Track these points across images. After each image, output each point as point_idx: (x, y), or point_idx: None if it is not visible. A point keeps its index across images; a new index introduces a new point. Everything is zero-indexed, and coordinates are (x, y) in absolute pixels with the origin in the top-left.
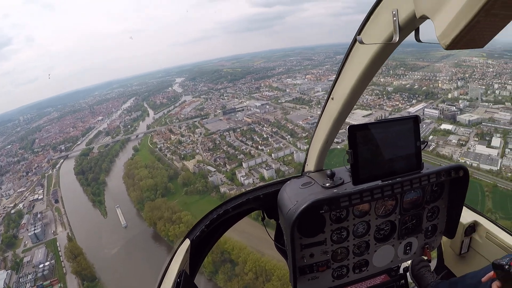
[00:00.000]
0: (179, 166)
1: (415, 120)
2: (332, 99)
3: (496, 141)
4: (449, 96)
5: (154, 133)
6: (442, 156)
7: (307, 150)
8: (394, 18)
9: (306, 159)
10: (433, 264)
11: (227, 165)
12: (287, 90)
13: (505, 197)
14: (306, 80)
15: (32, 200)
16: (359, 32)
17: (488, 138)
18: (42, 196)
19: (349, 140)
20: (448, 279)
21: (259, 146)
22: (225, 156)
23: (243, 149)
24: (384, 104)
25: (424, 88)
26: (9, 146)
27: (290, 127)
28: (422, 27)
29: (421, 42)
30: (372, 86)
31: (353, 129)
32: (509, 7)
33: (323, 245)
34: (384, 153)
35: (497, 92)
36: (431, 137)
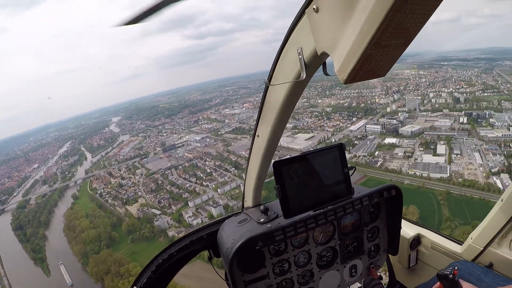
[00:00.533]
0: (122, 212)
1: (340, 147)
2: (258, 136)
3: (441, 148)
4: (388, 110)
5: (93, 178)
6: (391, 170)
7: (243, 187)
8: (300, 56)
9: (243, 195)
10: (386, 281)
11: (172, 206)
12: (226, 121)
13: (460, 203)
14: (244, 109)
15: None
16: (272, 71)
17: (432, 147)
18: None
19: (275, 175)
20: None
21: (204, 182)
22: (170, 197)
23: (187, 187)
24: (325, 125)
25: (362, 105)
26: None
27: (233, 159)
28: (330, 60)
29: (329, 75)
30: (311, 108)
31: (277, 164)
32: (397, 37)
33: (267, 279)
34: (312, 184)
35: (433, 100)
36: (377, 152)
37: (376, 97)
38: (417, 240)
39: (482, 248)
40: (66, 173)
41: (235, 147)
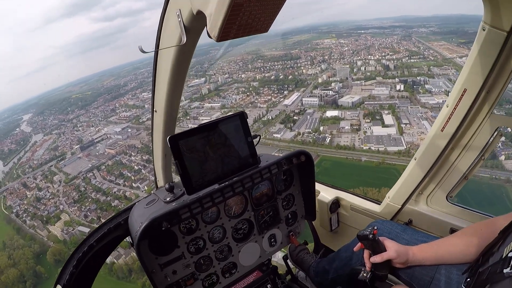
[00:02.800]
0: (44, 234)
1: (241, 115)
2: (156, 111)
3: (388, 118)
4: (320, 81)
5: (7, 193)
6: (344, 147)
7: (153, 167)
8: (179, 19)
9: (155, 176)
10: (312, 246)
11: (102, 219)
12: (146, 106)
13: None
14: None
15: None
16: (158, 39)
17: (378, 117)
18: None
19: (173, 151)
20: (327, 256)
21: (134, 184)
22: (97, 207)
23: (115, 192)
24: (256, 101)
25: (290, 77)
26: None
27: None
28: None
29: (211, 38)
30: (236, 84)
31: (173, 139)
32: None
33: (183, 259)
34: (215, 156)
35: (362, 68)
36: (322, 127)
37: (302, 68)
38: (336, 203)
39: (400, 206)
40: None
41: None
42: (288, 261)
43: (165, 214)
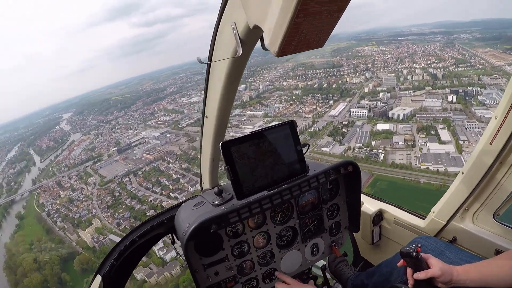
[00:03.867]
0: (73, 239)
1: (291, 124)
2: (207, 117)
3: (444, 133)
4: (366, 90)
5: (41, 190)
6: (400, 166)
7: (200, 169)
8: (234, 32)
9: (201, 178)
10: (351, 258)
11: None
12: (185, 111)
13: None
14: (202, 96)
15: None
16: (212, 49)
17: (433, 132)
18: None
19: (224, 157)
20: (366, 270)
21: (171, 193)
22: (131, 215)
23: (151, 201)
24: (300, 110)
25: (334, 85)
26: None
27: None
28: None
29: (267, 50)
30: (278, 92)
31: (226, 145)
32: (327, 2)
33: (226, 262)
34: (265, 163)
35: (409, 77)
36: (373, 142)
37: (345, 76)
38: (379, 216)
39: (444, 223)
40: (12, 184)
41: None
42: (326, 272)
43: (215, 217)
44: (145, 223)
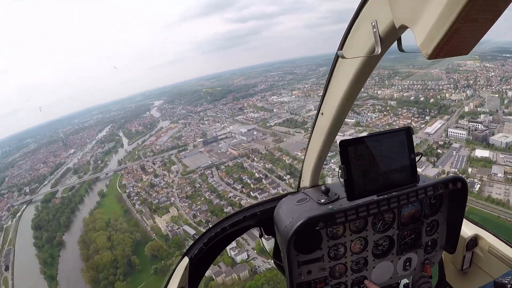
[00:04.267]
0: (149, 224)
1: (408, 131)
2: (322, 114)
3: None
4: (466, 109)
5: (125, 171)
6: (496, 201)
7: (302, 166)
8: (374, 30)
9: (301, 175)
10: (434, 281)
11: (209, 224)
12: (275, 110)
13: None
14: (293, 97)
15: None
16: (341, 46)
17: None
18: None
19: (341, 155)
20: None
21: (251, 192)
22: (208, 209)
23: (230, 197)
24: (394, 123)
25: (432, 100)
26: None
27: (287, 161)
28: (404, 36)
29: (404, 52)
30: (372, 100)
31: (344, 144)
32: (487, 10)
33: (321, 262)
34: (378, 167)
35: None
36: (470, 169)
37: (444, 91)
38: (474, 241)
39: None
40: (99, 162)
41: (287, 145)
42: None
43: (323, 215)
44: (237, 213)
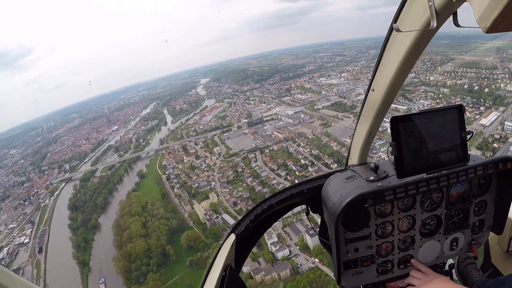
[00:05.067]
0: (187, 210)
1: (459, 109)
2: (373, 90)
3: None
4: None
5: (166, 151)
6: None
7: (350, 143)
8: (430, 3)
9: (349, 152)
10: (479, 262)
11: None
12: (323, 92)
13: None
14: (342, 79)
15: (18, 244)
16: (395, 19)
17: None
18: (28, 240)
19: (392, 132)
20: (494, 278)
21: (296, 180)
22: (249, 196)
23: (273, 185)
24: None
25: (487, 90)
26: (22, 161)
27: (334, 148)
28: (460, 11)
29: (460, 26)
30: (424, 86)
31: (395, 120)
32: None
33: (368, 240)
34: (428, 145)
35: None
36: None
37: (499, 80)
38: None
39: None
40: (141, 140)
41: (336, 129)
42: (454, 271)
43: (372, 192)
44: (285, 190)
